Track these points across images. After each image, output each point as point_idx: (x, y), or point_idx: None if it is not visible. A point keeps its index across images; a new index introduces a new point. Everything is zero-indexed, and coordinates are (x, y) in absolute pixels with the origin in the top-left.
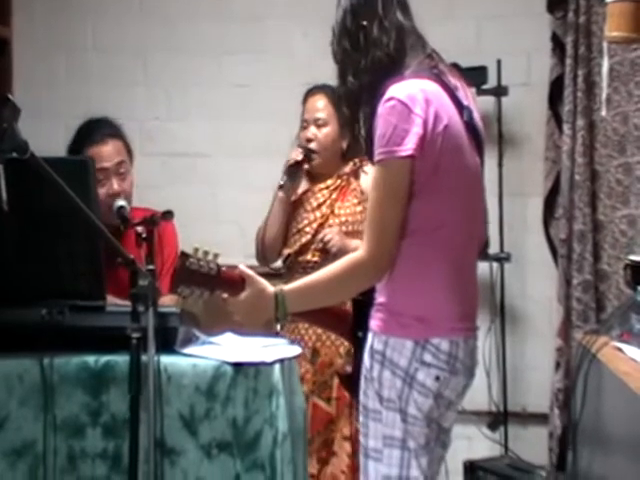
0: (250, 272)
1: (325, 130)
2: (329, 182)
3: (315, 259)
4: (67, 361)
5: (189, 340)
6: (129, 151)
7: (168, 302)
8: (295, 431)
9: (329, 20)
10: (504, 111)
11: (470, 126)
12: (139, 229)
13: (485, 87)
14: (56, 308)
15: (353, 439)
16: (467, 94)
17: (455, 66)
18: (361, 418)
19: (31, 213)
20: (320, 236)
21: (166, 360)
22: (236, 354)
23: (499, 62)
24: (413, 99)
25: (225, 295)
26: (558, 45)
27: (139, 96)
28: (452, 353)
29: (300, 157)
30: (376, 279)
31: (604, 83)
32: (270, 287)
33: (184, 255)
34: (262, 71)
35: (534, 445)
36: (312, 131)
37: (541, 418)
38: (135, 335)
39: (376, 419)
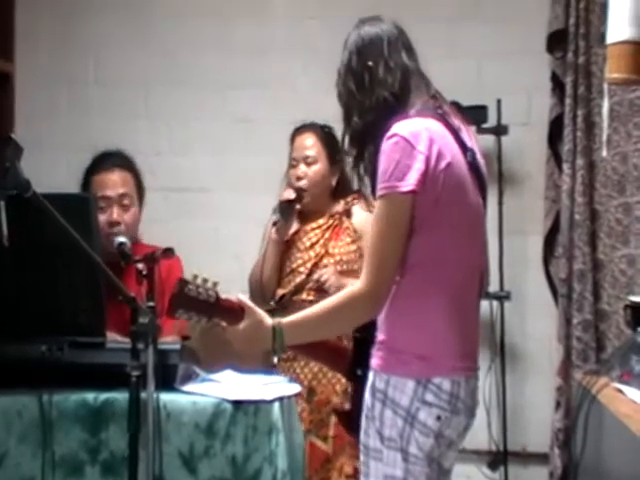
0: (249, 303)
1: (315, 167)
2: (321, 221)
3: (310, 298)
4: (66, 398)
5: (189, 377)
6: (139, 186)
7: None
8: (294, 469)
9: (329, 56)
10: (504, 150)
11: (473, 166)
12: (140, 266)
13: (485, 126)
14: (56, 344)
15: (355, 478)
16: (470, 135)
17: (455, 105)
18: (362, 457)
19: (32, 249)
20: (316, 276)
21: (166, 397)
22: (236, 392)
23: (499, 101)
24: (416, 136)
25: (223, 323)
26: (558, 85)
27: (141, 129)
28: (454, 393)
29: (292, 196)
30: (373, 312)
31: (604, 124)
32: (268, 319)
33: (183, 281)
34: (264, 105)
35: None
36: (302, 169)
37: (541, 458)
38: (135, 372)
39: (377, 458)
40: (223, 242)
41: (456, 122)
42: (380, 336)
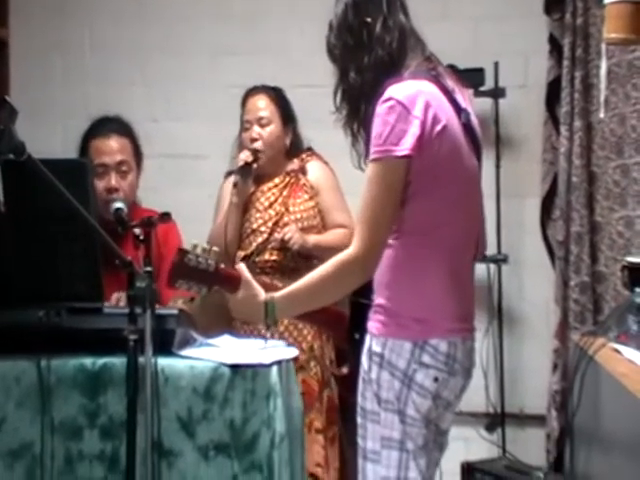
0: (247, 275)
1: (269, 129)
2: (277, 180)
3: (274, 258)
4: (64, 363)
5: (186, 342)
6: (137, 152)
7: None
8: (292, 432)
9: (325, 19)
10: (501, 113)
11: (468, 128)
12: (137, 231)
13: (482, 89)
14: (53, 310)
15: (325, 431)
16: (465, 97)
17: (452, 68)
18: (359, 420)
19: (28, 215)
20: (279, 235)
21: (163, 362)
22: (234, 356)
23: (496, 64)
24: (412, 100)
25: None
26: (555, 47)
27: (136, 97)
28: (450, 354)
29: (250, 158)
30: (365, 277)
31: (602, 85)
32: (262, 293)
33: (182, 251)
34: (260, 72)
35: (531, 446)
36: (256, 130)
37: (538, 420)
38: (132, 337)
39: (374, 421)
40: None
41: (450, 83)
42: (377, 300)
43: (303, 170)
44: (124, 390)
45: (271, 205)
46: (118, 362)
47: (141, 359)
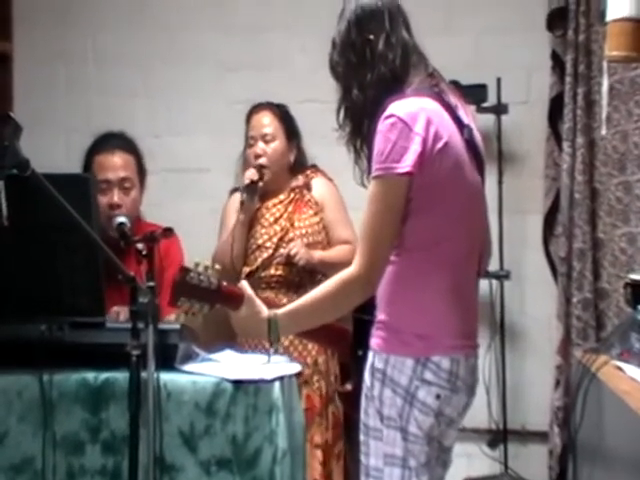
0: (250, 292)
1: (273, 145)
2: (282, 196)
3: (279, 273)
4: (67, 377)
5: (189, 357)
6: (140, 169)
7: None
8: (294, 448)
9: (328, 35)
10: (504, 129)
11: (471, 144)
12: (139, 246)
13: (485, 105)
14: (56, 324)
15: (328, 447)
16: (467, 113)
17: (455, 84)
18: (362, 437)
19: (31, 228)
20: (285, 251)
21: (166, 377)
22: (236, 371)
23: (499, 80)
24: (413, 117)
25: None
26: (558, 63)
27: (139, 109)
28: (453, 371)
29: (256, 176)
30: (367, 295)
31: (604, 102)
32: (265, 311)
33: (184, 269)
34: (263, 86)
35: (534, 463)
36: (260, 147)
37: (541, 436)
38: (135, 352)
39: (377, 437)
40: (219, 226)
41: (453, 100)
42: (379, 316)
43: (308, 186)
44: (126, 405)
45: (276, 221)
46: (120, 377)
47: (143, 374)
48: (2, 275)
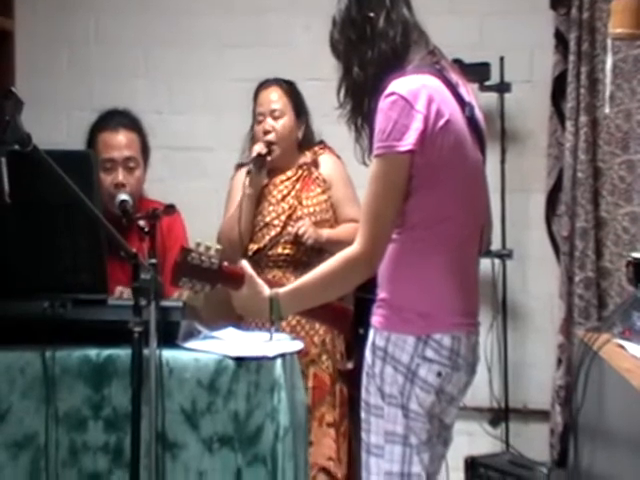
0: (251, 271)
1: (282, 121)
2: (289, 173)
3: (287, 251)
4: (69, 354)
5: (191, 334)
6: (144, 147)
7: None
8: (296, 425)
9: (330, 13)
10: (507, 108)
11: (472, 122)
12: (141, 223)
13: (488, 83)
14: (58, 301)
15: (337, 425)
16: (468, 90)
17: (458, 62)
18: (363, 414)
19: (33, 205)
20: (293, 230)
21: (168, 354)
22: (238, 348)
23: (502, 59)
24: (415, 95)
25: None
26: (561, 42)
27: (140, 89)
28: (454, 349)
29: (264, 150)
30: (369, 273)
31: (608, 80)
32: (266, 290)
33: (185, 250)
34: (264, 64)
35: (535, 441)
36: (269, 123)
37: (542, 415)
38: (137, 329)
39: (378, 415)
40: (222, 202)
41: (454, 77)
42: (381, 294)
43: (315, 163)
44: (129, 382)
45: (284, 198)
46: (123, 354)
47: (146, 351)
48: (4, 252)
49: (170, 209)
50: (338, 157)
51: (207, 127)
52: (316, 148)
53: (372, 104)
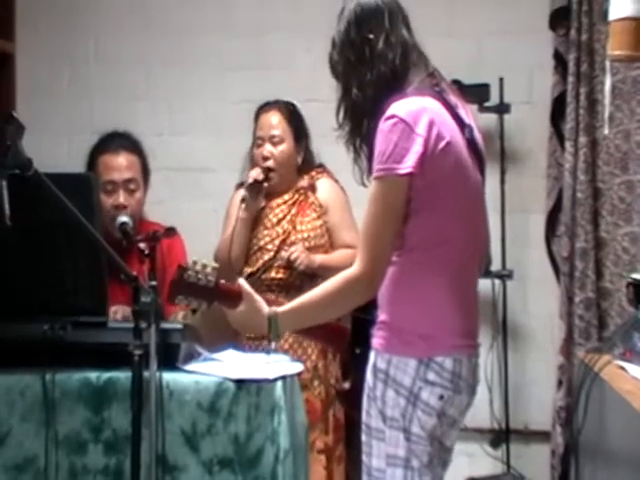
0: (249, 289)
1: (281, 147)
2: (286, 197)
3: (280, 276)
4: (69, 377)
5: (191, 356)
6: (145, 169)
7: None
8: (297, 447)
9: (330, 36)
10: (506, 128)
11: (471, 143)
12: (142, 245)
13: (487, 104)
14: (58, 324)
15: (330, 450)
16: (467, 112)
17: (457, 83)
18: (363, 437)
19: (34, 228)
20: (286, 255)
21: (168, 376)
22: (238, 371)
23: (501, 80)
24: (415, 118)
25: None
26: (560, 63)
27: (141, 110)
28: (456, 371)
29: (261, 177)
30: (369, 295)
31: (607, 101)
32: (265, 308)
33: (182, 267)
34: (265, 86)
35: (536, 463)
36: (268, 148)
37: (543, 435)
38: (137, 352)
39: (379, 438)
40: (223, 222)
41: (453, 99)
42: (381, 316)
43: (313, 188)
44: (129, 404)
45: (279, 222)
46: (123, 376)
47: (146, 373)
48: (4, 274)
49: (170, 232)
50: (336, 181)
51: (208, 148)
52: (314, 172)
53: (372, 125)
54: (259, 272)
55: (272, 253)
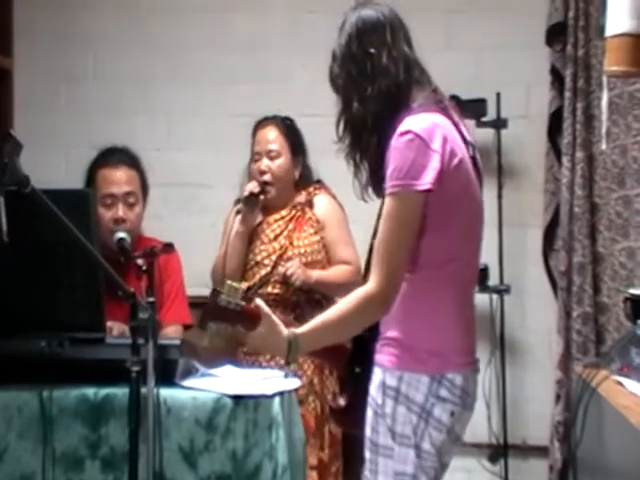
0: (267, 310)
1: (278, 162)
2: (284, 212)
3: (276, 291)
4: (66, 393)
5: (189, 372)
6: (143, 184)
7: (172, 333)
8: (295, 463)
9: (329, 50)
10: (503, 143)
11: (474, 160)
12: (139, 261)
13: (485, 119)
14: (55, 340)
15: (325, 466)
16: (467, 129)
17: (454, 98)
18: (368, 454)
19: (31, 244)
20: (282, 270)
21: (166, 393)
22: (236, 387)
23: (498, 95)
24: (430, 133)
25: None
26: (557, 78)
27: (139, 125)
28: (465, 388)
29: (257, 189)
30: (385, 312)
31: (604, 116)
32: (284, 330)
33: (216, 292)
34: (263, 100)
35: (534, 478)
36: (265, 163)
37: (541, 451)
38: (135, 368)
39: (387, 455)
40: (221, 238)
41: (455, 116)
42: (390, 333)
43: (310, 203)
44: (126, 421)
45: (276, 238)
46: (120, 393)
47: (143, 390)
48: (2, 291)
49: (168, 248)
50: (334, 197)
51: (206, 163)
52: (311, 188)
53: (372, 140)
54: (255, 287)
55: (269, 268)
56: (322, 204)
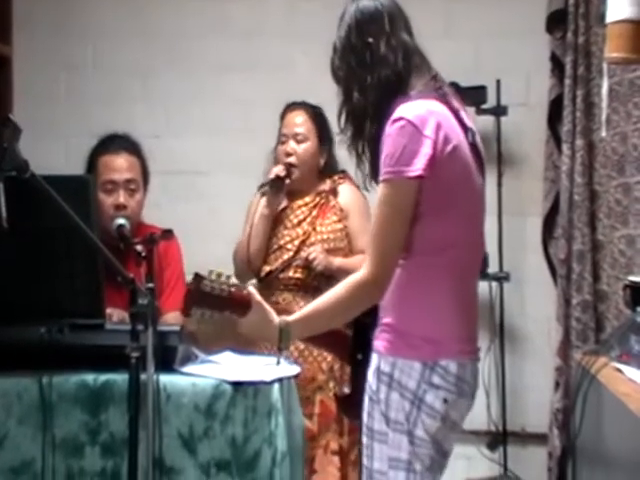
0: (259, 298)
1: (304, 145)
2: (308, 199)
3: (297, 276)
4: (66, 380)
5: (188, 359)
6: (144, 171)
7: (171, 320)
8: (294, 450)
9: (329, 39)
10: (503, 131)
11: (474, 147)
12: (139, 248)
13: (484, 107)
14: (55, 327)
15: (344, 453)
16: (468, 116)
17: (454, 85)
18: (365, 440)
19: (31, 231)
20: (304, 254)
21: (165, 379)
22: (235, 373)
23: (498, 82)
24: (423, 120)
25: (233, 316)
26: (557, 65)
27: (138, 113)
28: (460, 375)
29: (283, 173)
30: (378, 298)
31: (604, 104)
32: (275, 318)
33: (198, 277)
34: (261, 88)
35: (533, 465)
36: (291, 146)
37: (540, 438)
38: (134, 354)
39: (382, 441)
40: (219, 225)
41: (455, 102)
42: (386, 319)
43: (334, 192)
44: (126, 407)
45: (300, 223)
46: (120, 379)
47: (143, 376)
48: (1, 277)
49: (167, 234)
50: (358, 187)
51: (204, 151)
52: (336, 177)
53: (374, 129)
54: (277, 271)
55: (291, 253)
56: (346, 193)
